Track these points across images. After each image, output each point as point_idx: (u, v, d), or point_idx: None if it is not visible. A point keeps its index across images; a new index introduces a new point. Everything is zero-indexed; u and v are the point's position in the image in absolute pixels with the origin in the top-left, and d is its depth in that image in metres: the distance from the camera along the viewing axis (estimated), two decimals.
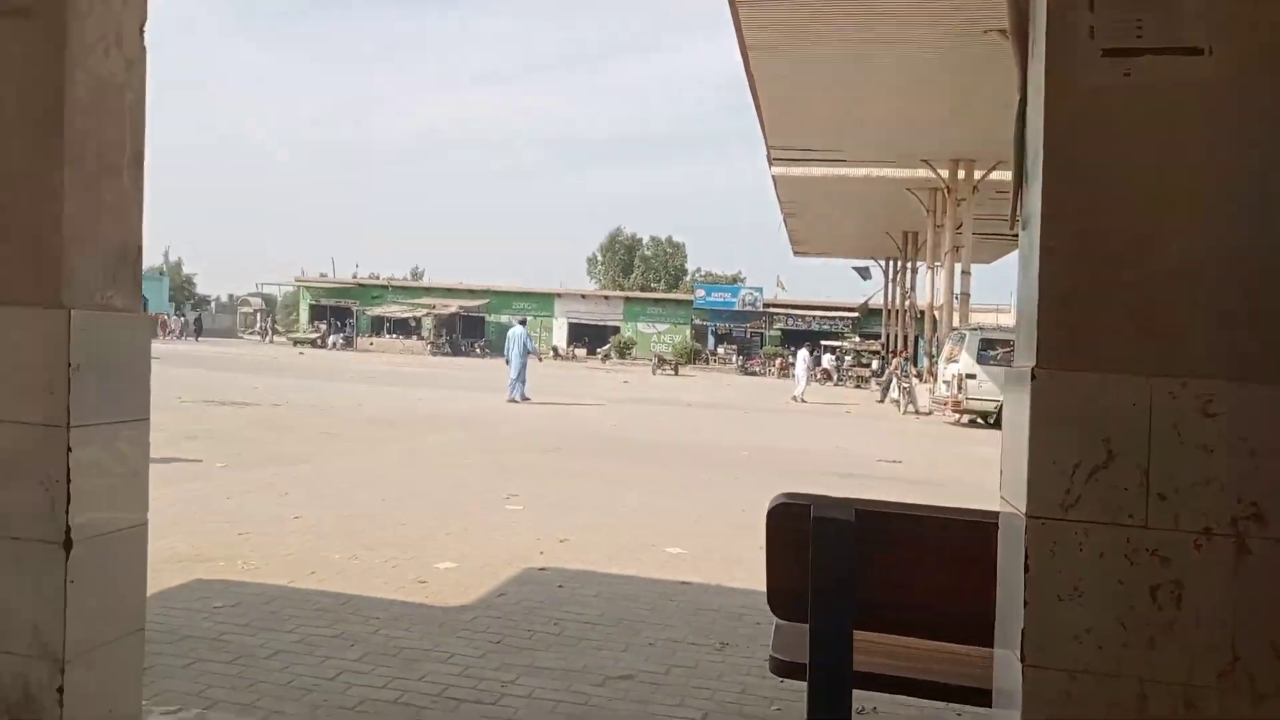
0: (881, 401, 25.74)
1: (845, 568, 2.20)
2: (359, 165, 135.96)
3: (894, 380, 24.75)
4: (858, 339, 42.16)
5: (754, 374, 43.21)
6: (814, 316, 49.44)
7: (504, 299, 53.66)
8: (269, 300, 65.69)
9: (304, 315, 56.19)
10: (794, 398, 24.68)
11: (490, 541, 5.68)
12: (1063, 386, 1.68)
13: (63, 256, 2.16)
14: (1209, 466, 1.64)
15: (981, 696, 2.06)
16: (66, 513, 2.15)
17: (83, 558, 2.19)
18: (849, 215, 32.68)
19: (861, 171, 25.20)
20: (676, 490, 8.30)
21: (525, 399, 18.04)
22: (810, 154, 23.63)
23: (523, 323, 20.92)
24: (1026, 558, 1.69)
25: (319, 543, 5.40)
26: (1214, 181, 1.65)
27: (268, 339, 53.93)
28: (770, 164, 24.86)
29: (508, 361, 18.56)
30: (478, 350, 49.33)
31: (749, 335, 50.74)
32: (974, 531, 2.11)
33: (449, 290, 55.05)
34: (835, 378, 38.15)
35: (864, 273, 44.70)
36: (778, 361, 43.92)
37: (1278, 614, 1.60)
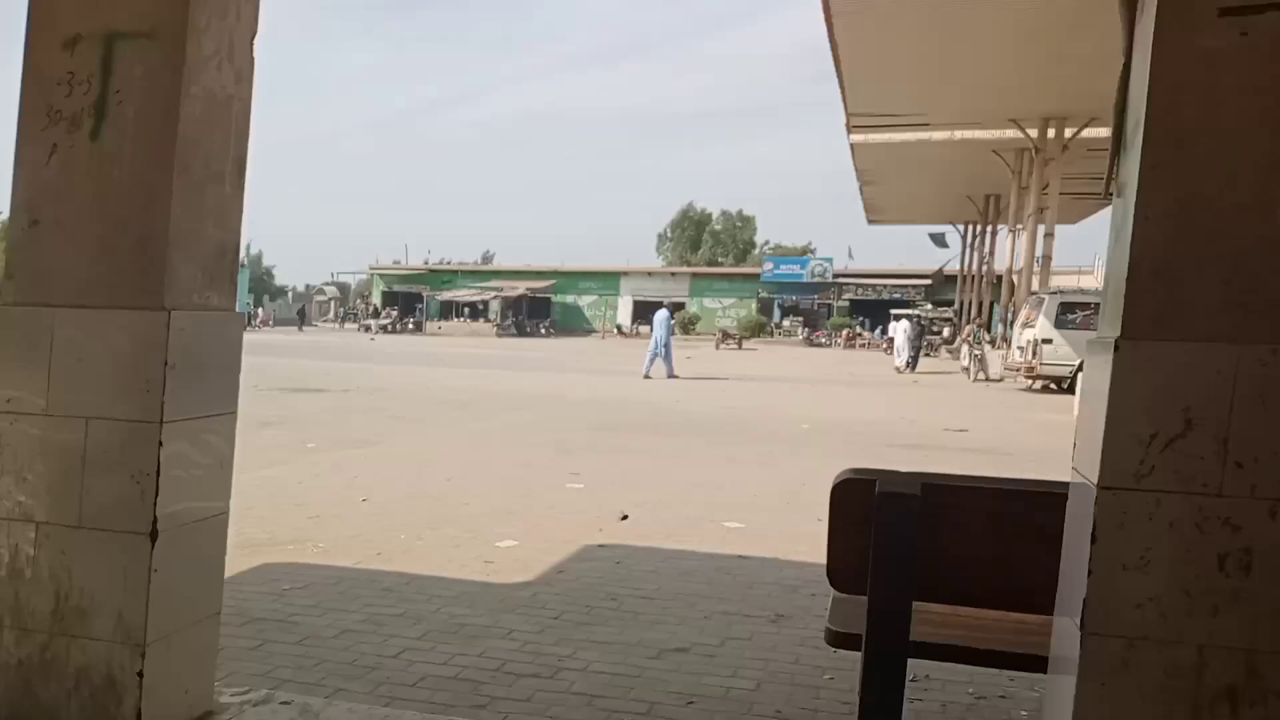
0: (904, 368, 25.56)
1: (908, 542, 2.17)
2: (447, 155, 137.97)
3: (966, 347, 24.35)
4: (929, 306, 41.20)
5: (820, 345, 42.68)
6: (884, 285, 48.51)
7: (570, 279, 54.03)
8: (343, 288, 67.39)
9: (378, 301, 57.45)
10: (898, 369, 25.33)
11: (552, 520, 5.73)
12: (1146, 357, 1.63)
13: (166, 260, 2.23)
14: None
15: (1038, 663, 2.05)
16: (155, 505, 2.23)
17: (166, 546, 2.27)
18: (929, 180, 32.02)
19: (944, 134, 24.69)
20: (737, 465, 8.26)
21: (673, 375, 19.34)
22: (892, 119, 23.21)
23: (668, 308, 22.00)
24: (1095, 528, 1.64)
25: (386, 524, 5.52)
26: None
27: (347, 325, 55.18)
28: (849, 132, 24.49)
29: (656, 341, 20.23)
30: (543, 330, 49.78)
31: (816, 307, 50.09)
32: (1037, 502, 2.07)
33: (516, 272, 55.78)
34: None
35: (939, 240, 43.64)
36: (844, 333, 43.30)
37: None
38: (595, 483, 7.05)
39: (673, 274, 55.10)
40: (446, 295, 54.40)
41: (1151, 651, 1.61)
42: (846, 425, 11.91)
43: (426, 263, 60.14)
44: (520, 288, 52.71)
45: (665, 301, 24.84)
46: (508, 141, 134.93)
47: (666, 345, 20.01)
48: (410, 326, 51.35)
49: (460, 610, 3.91)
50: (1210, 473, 1.59)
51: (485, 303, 52.66)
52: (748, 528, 5.67)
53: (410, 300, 55.57)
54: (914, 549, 2.16)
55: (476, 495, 6.48)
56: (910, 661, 2.27)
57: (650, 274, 55.06)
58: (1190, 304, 1.59)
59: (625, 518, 5.78)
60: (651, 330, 20.67)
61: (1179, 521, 1.60)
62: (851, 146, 25.91)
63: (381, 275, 58.37)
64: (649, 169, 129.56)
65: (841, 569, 2.32)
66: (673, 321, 20.93)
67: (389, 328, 49.79)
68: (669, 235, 75.29)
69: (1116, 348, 1.61)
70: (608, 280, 53.41)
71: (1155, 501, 1.61)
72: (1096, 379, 1.70)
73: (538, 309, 53.65)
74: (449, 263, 61.54)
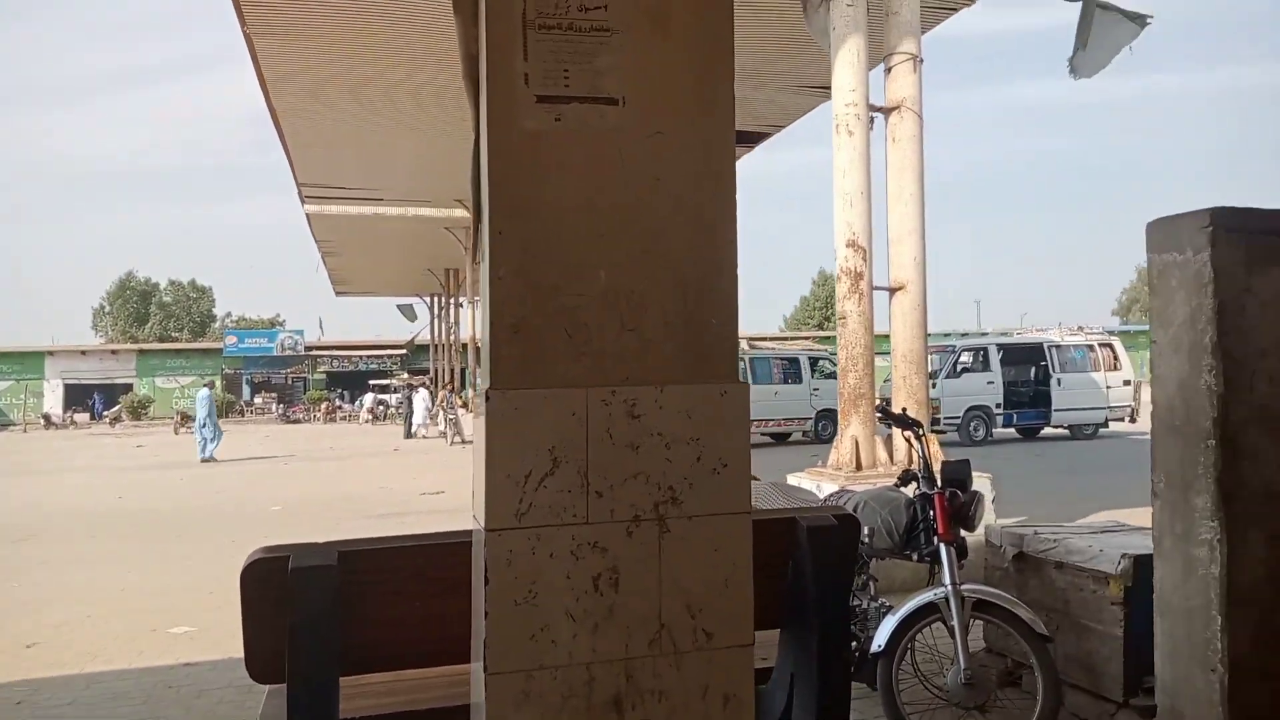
0: (409, 436, 26.72)
1: (328, 616, 2.09)
2: None
3: (442, 412, 25.49)
4: (406, 375, 41.89)
5: (298, 421, 40.66)
6: (360, 357, 48.11)
7: None
8: None
9: None
10: (424, 436, 26.39)
11: None
12: (514, 405, 1.77)
13: None
14: (636, 462, 1.83)
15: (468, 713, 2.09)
16: None
17: None
18: (390, 254, 32.46)
19: (399, 210, 25.22)
20: (192, 562, 7.39)
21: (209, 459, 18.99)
22: (345, 191, 23.04)
23: (210, 386, 22.83)
24: (486, 570, 1.74)
25: None
26: (631, 217, 1.86)
27: None
28: (303, 202, 23.75)
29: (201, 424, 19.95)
30: None
31: (290, 381, 47.67)
32: (450, 552, 2.15)
33: None
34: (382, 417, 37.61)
35: (408, 312, 44.68)
36: (324, 406, 41.92)
37: (691, 580, 1.84)
38: None
39: (114, 352, 47.95)
40: None
41: (548, 679, 1.75)
42: (322, 501, 11.44)
43: None
44: None
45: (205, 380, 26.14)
46: None
47: (205, 425, 19.68)
48: None
49: None
50: (578, 504, 1.80)
51: None
52: (199, 630, 5.07)
53: None
54: (335, 622, 2.10)
55: None
56: None
57: (84, 352, 47.19)
58: (544, 354, 1.79)
59: None
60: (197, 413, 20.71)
61: (558, 552, 1.79)
62: (308, 217, 25.41)
63: None
64: (75, 232, 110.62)
65: (260, 658, 2.17)
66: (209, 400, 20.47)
67: None
68: (108, 308, 65.62)
69: (488, 398, 1.76)
70: (29, 362, 44.50)
71: (536, 536, 1.78)
72: (479, 429, 1.84)
73: None
74: None
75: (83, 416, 41.42)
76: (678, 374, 1.88)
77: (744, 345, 27.26)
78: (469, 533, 2.18)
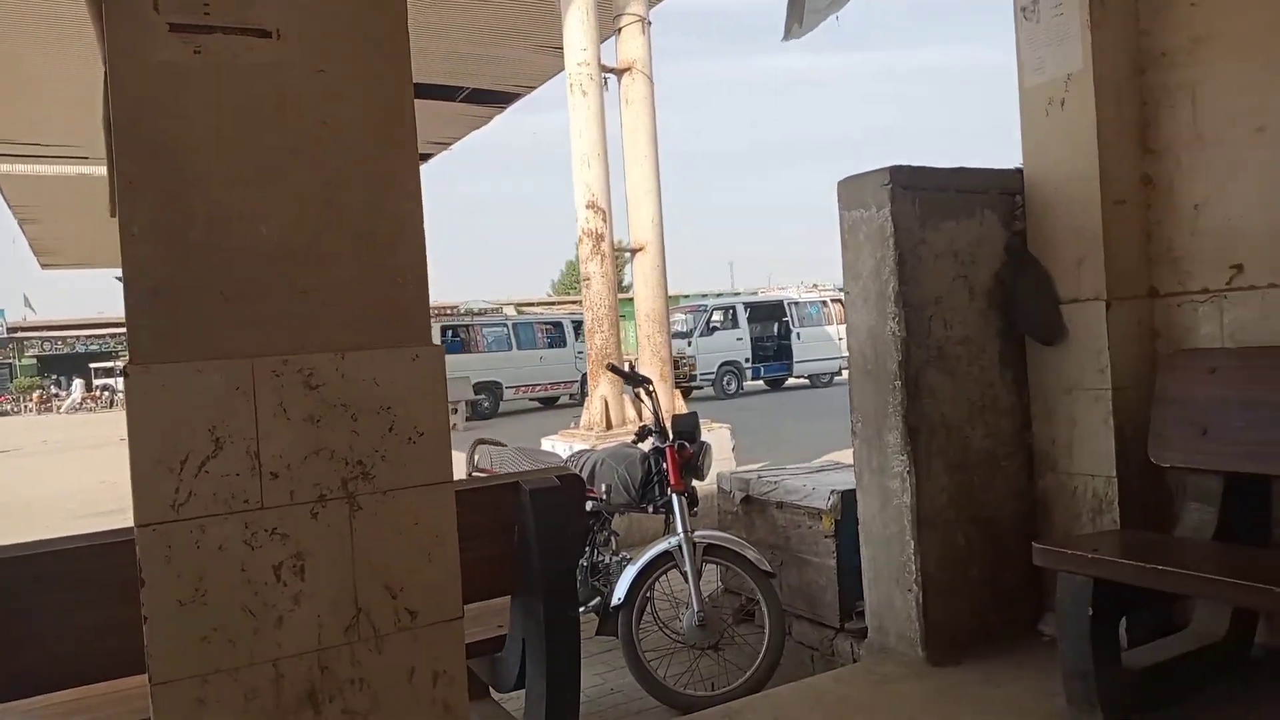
0: None
1: None
2: None
3: None
4: None
5: (5, 414, 35.69)
6: (78, 337, 42.85)
7: None
8: None
9: None
10: None
11: None
12: (161, 382, 1.54)
13: None
14: (318, 437, 1.66)
15: None
16: None
17: None
18: (103, 219, 28.80)
19: (104, 170, 22.39)
20: None
21: None
22: (40, 149, 20.05)
23: None
24: (141, 570, 1.53)
25: None
26: (295, 165, 1.66)
27: None
28: None
29: None
30: None
31: None
32: (109, 555, 1.90)
33: None
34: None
35: None
36: (36, 395, 37.15)
37: (389, 558, 1.71)
38: None
39: None
40: None
41: (227, 683, 1.56)
42: (30, 503, 10.13)
43: None
44: None
45: None
46: None
47: None
48: None
49: None
50: (250, 488, 1.61)
51: None
52: None
53: None
54: None
55: None
56: None
57: None
58: (196, 322, 1.56)
59: None
60: None
61: (228, 543, 1.59)
62: None
63: None
64: None
65: None
66: None
67: None
68: None
69: (126, 374, 1.53)
70: None
71: (200, 528, 1.57)
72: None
73: None
74: None
75: None
76: (362, 339, 1.72)
77: (511, 310, 27.02)
78: (125, 530, 1.95)
